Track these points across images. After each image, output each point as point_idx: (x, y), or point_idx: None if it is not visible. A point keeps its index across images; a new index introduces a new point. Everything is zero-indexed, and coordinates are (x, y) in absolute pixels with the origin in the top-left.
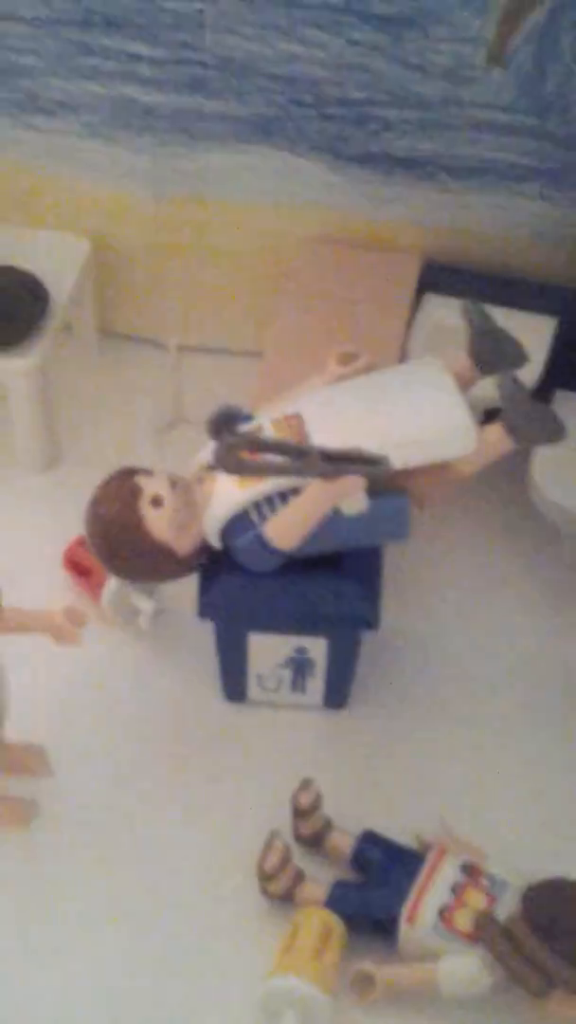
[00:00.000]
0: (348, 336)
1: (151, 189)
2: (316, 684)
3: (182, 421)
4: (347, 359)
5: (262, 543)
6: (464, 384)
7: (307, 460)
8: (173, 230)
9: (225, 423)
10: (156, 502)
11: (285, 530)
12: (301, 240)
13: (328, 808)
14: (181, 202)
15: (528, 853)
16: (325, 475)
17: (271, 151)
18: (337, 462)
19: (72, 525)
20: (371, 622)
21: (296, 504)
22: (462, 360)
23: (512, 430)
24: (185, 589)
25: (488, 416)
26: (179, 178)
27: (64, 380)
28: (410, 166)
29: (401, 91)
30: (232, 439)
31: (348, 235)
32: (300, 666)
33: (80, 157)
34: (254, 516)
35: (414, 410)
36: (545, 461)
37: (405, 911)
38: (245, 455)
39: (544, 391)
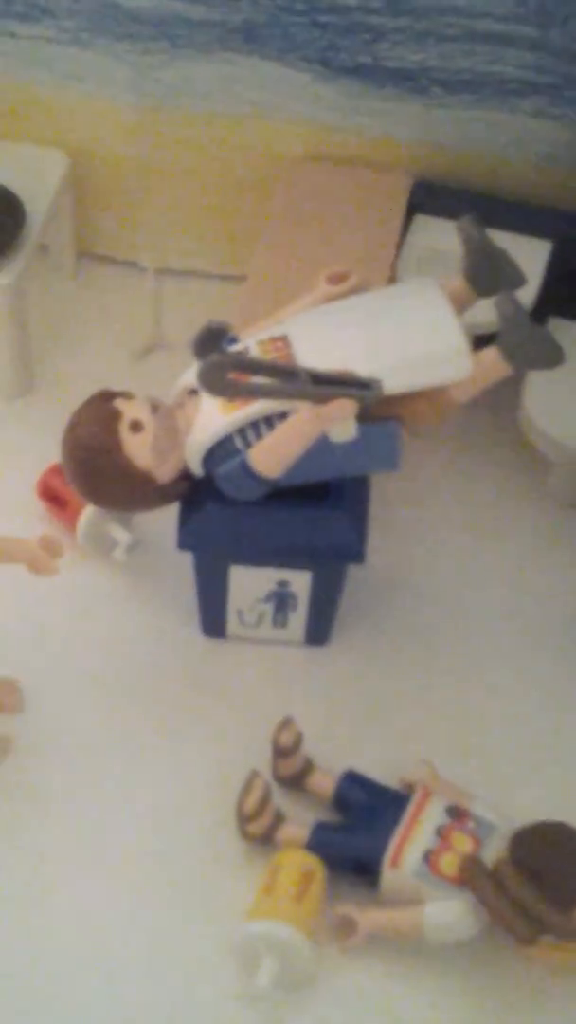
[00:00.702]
0: (335, 259)
1: (132, 100)
2: (298, 619)
3: (160, 346)
4: (337, 278)
5: (246, 470)
6: (459, 305)
7: (295, 382)
8: (154, 144)
9: (211, 342)
10: (136, 427)
11: (271, 456)
12: (287, 157)
13: (309, 747)
14: (163, 114)
15: (516, 795)
16: (314, 398)
17: (258, 61)
18: (327, 385)
19: (47, 453)
20: (357, 555)
21: (283, 429)
22: (457, 281)
23: (509, 353)
24: (164, 519)
25: (479, 342)
26: (161, 89)
27: (39, 302)
28: (402, 79)
29: None
30: (218, 358)
31: (336, 152)
32: (282, 600)
33: (58, 66)
34: (238, 442)
35: (407, 332)
36: (537, 390)
37: (389, 854)
38: (231, 376)
39: (537, 318)
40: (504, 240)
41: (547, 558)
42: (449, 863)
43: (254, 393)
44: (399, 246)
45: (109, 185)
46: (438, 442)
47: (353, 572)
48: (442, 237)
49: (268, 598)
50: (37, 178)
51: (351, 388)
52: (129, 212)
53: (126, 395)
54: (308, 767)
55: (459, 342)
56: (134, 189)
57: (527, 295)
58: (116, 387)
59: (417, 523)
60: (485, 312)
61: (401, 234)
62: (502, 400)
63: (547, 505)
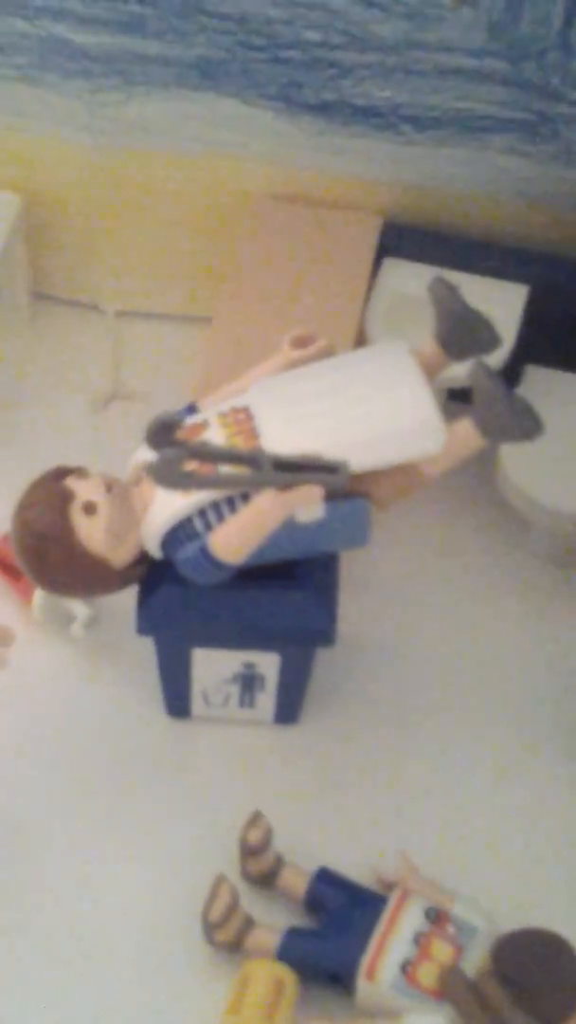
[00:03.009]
0: (301, 304)
1: (86, 139)
2: (266, 699)
3: (121, 394)
4: (302, 342)
5: (207, 556)
6: (431, 370)
7: (258, 469)
8: (110, 184)
9: (164, 432)
10: (89, 509)
11: (233, 542)
12: (250, 197)
13: (279, 838)
14: (119, 154)
15: (499, 890)
16: (278, 485)
17: (217, 98)
18: (291, 471)
19: (0, 516)
20: (327, 638)
21: (246, 514)
22: (428, 345)
23: (484, 427)
24: (126, 592)
25: (453, 396)
26: (116, 127)
27: None
28: (369, 116)
29: (360, 32)
30: (171, 452)
31: (301, 192)
32: (249, 682)
33: (7, 104)
34: (198, 524)
35: (375, 405)
36: (513, 447)
37: (364, 965)
38: (190, 465)
39: (514, 366)
40: (478, 285)
41: (530, 621)
42: (428, 974)
43: (213, 485)
44: (368, 290)
45: (65, 226)
46: (412, 501)
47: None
48: (412, 281)
49: (234, 679)
50: None
51: (317, 473)
52: (86, 253)
53: (80, 472)
54: (279, 865)
55: (431, 416)
56: (91, 230)
57: (503, 344)
58: (74, 440)
59: (391, 585)
60: (461, 367)
61: (370, 278)
62: (479, 455)
63: (528, 563)
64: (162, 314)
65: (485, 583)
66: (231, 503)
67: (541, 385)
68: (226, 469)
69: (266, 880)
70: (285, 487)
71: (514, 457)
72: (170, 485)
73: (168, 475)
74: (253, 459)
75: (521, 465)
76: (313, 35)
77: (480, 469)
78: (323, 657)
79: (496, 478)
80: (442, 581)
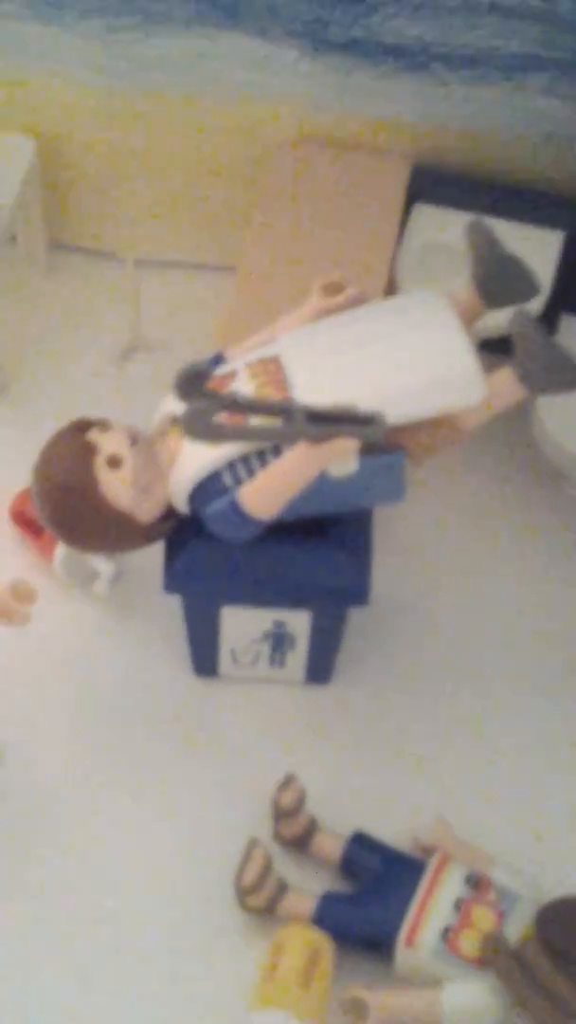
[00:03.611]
0: (328, 252)
1: (103, 81)
2: (297, 658)
3: (142, 346)
4: (333, 290)
5: (236, 511)
6: (468, 319)
7: (291, 421)
8: (129, 128)
9: (194, 383)
10: (113, 462)
11: (263, 497)
12: (274, 140)
13: (312, 801)
14: (137, 95)
15: (543, 852)
16: (310, 438)
17: (240, 37)
18: (325, 423)
19: (19, 472)
20: (361, 597)
21: (277, 468)
22: (465, 291)
23: (525, 377)
24: (148, 548)
25: (487, 347)
26: (134, 67)
27: (8, 299)
28: (399, 55)
29: None
30: (203, 403)
31: (328, 135)
32: (279, 641)
33: (22, 44)
34: (228, 479)
35: (412, 354)
36: (551, 401)
37: (403, 932)
38: (220, 417)
39: (550, 315)
40: (513, 231)
41: (564, 583)
42: (469, 941)
43: (245, 437)
44: (398, 238)
45: (82, 171)
46: (442, 458)
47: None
48: (444, 228)
49: (264, 638)
50: (2, 166)
51: (352, 425)
52: (104, 200)
53: (103, 425)
54: (312, 828)
55: (470, 366)
56: (109, 175)
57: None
58: (93, 392)
59: (424, 546)
60: (494, 316)
61: (400, 224)
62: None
63: (563, 523)
64: (183, 262)
65: (519, 543)
66: (261, 457)
67: None
68: (256, 421)
69: (300, 844)
70: (318, 439)
71: (551, 410)
72: (201, 437)
73: (199, 427)
74: (285, 411)
75: (558, 418)
76: None
77: (515, 424)
78: (355, 617)
79: (532, 433)
80: (475, 540)
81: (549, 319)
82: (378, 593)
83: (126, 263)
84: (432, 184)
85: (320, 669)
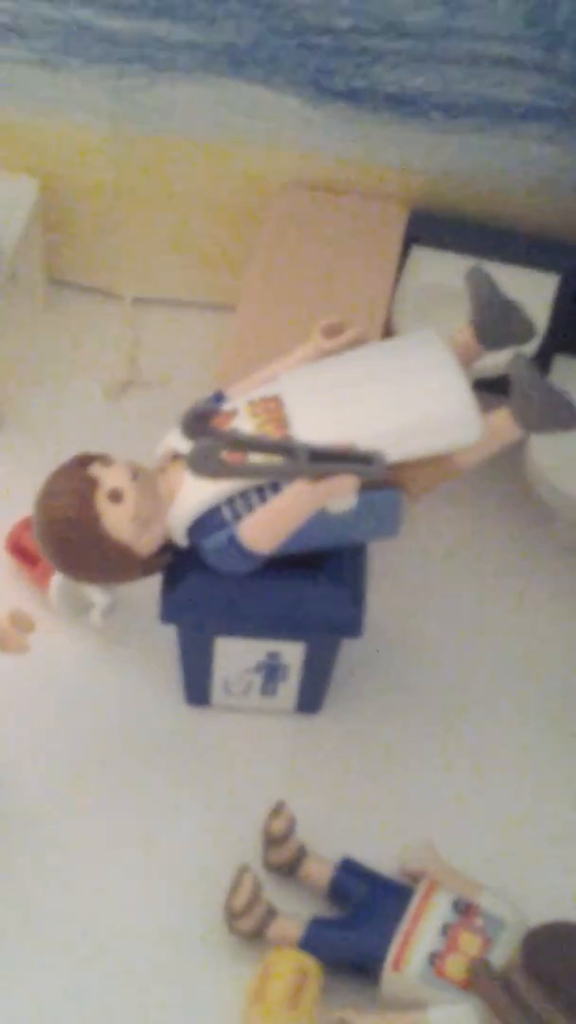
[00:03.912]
0: (327, 294)
1: (108, 125)
2: (288, 688)
3: (138, 382)
4: (333, 331)
5: (235, 546)
6: (465, 359)
7: (294, 460)
8: (131, 171)
9: (200, 422)
10: (115, 496)
11: (262, 532)
12: (275, 185)
13: (301, 827)
14: (141, 140)
15: (528, 882)
16: (311, 476)
17: (243, 84)
18: (326, 460)
19: (17, 503)
20: (355, 630)
21: (276, 504)
22: (464, 333)
23: (523, 418)
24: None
25: (483, 387)
26: (139, 113)
27: (8, 335)
28: (400, 103)
29: (392, 18)
30: (210, 442)
31: (328, 180)
32: (272, 671)
33: (29, 89)
34: (227, 513)
35: (411, 394)
36: (543, 439)
37: (391, 956)
38: (224, 454)
39: (543, 356)
40: (509, 274)
41: (556, 611)
42: (456, 966)
43: (250, 474)
44: (396, 280)
45: (83, 211)
46: (438, 492)
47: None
48: (442, 271)
49: (257, 669)
50: (5, 206)
51: (352, 464)
52: (104, 240)
53: (104, 460)
54: (302, 855)
55: (467, 405)
56: (110, 216)
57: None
58: (90, 427)
59: (414, 574)
60: (492, 357)
61: (398, 267)
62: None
63: (555, 555)
64: (179, 301)
65: (511, 575)
66: (260, 493)
67: (570, 375)
68: (258, 458)
69: (289, 870)
70: (319, 477)
71: (542, 448)
72: (207, 474)
73: (205, 464)
74: (288, 449)
75: (549, 456)
76: (343, 21)
77: (507, 460)
78: (345, 647)
79: (524, 469)
80: (467, 572)
81: (542, 360)
82: (368, 623)
83: (124, 301)
84: (430, 228)
85: (311, 699)
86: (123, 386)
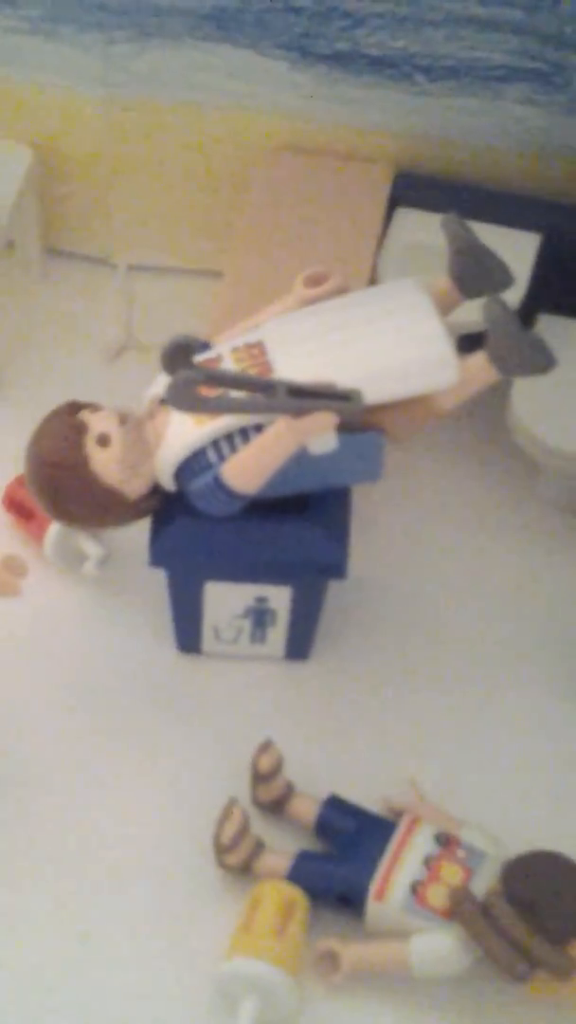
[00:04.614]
0: (314, 254)
1: (100, 92)
2: (277, 634)
3: (133, 347)
4: (315, 281)
5: (220, 486)
6: (444, 308)
7: (272, 396)
8: (123, 137)
9: (180, 355)
10: (103, 441)
11: (246, 472)
12: (263, 148)
13: (290, 769)
14: (132, 106)
15: (508, 818)
16: (292, 412)
17: (231, 49)
18: (305, 398)
19: (12, 462)
20: (340, 571)
21: (259, 443)
22: (442, 281)
23: (498, 360)
24: (136, 531)
25: (465, 341)
26: (130, 79)
27: (4, 302)
28: (383, 66)
29: None
30: (188, 373)
31: (314, 143)
32: (260, 616)
33: (21, 57)
34: (212, 456)
35: (390, 338)
36: (525, 390)
37: (374, 886)
38: (203, 390)
39: (526, 314)
40: (491, 233)
41: (540, 564)
42: (437, 895)
43: (228, 409)
44: (380, 241)
45: (77, 179)
46: (423, 442)
47: (335, 581)
48: (425, 231)
49: (246, 614)
50: (0, 174)
51: (330, 401)
52: (99, 207)
53: (93, 407)
54: (289, 792)
55: (445, 349)
56: (103, 183)
57: (515, 291)
58: (86, 392)
59: (401, 526)
60: (471, 311)
61: (382, 228)
62: (490, 398)
63: (538, 508)
64: (174, 268)
65: (494, 526)
66: (244, 435)
67: (554, 333)
68: (238, 395)
69: (277, 807)
70: (299, 413)
71: (526, 401)
72: (185, 407)
73: (183, 397)
74: (267, 386)
75: (533, 409)
76: None
77: (492, 413)
78: (333, 594)
79: (508, 422)
80: (450, 522)
81: (526, 319)
82: (355, 571)
83: (119, 268)
84: (414, 189)
85: (300, 644)
86: (119, 350)
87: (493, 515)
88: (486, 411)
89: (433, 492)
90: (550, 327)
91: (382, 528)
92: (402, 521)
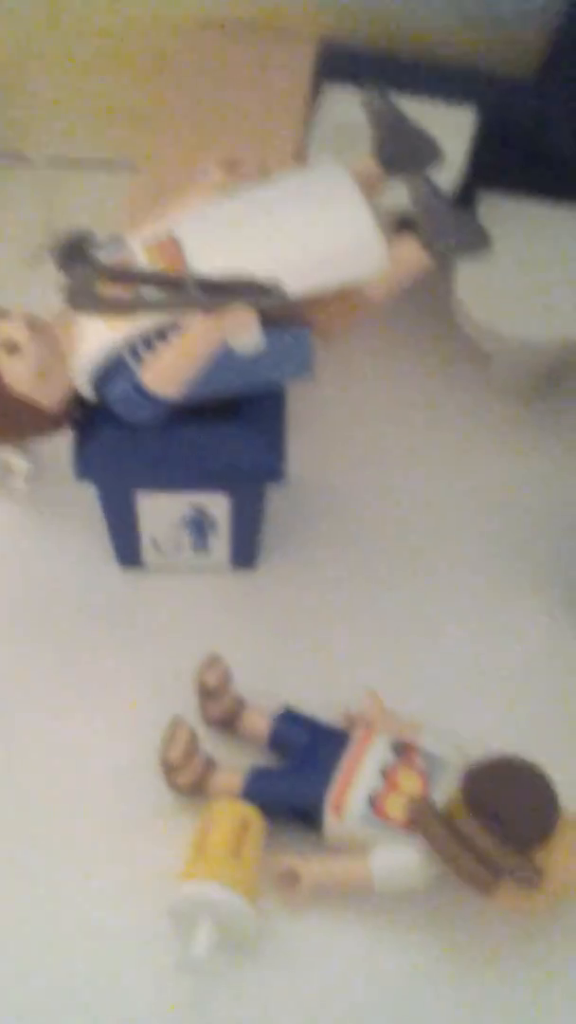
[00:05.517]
0: (238, 136)
1: None
2: (221, 543)
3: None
4: (231, 167)
5: (140, 391)
6: (370, 189)
7: (182, 291)
8: (27, 16)
9: (76, 251)
10: (11, 348)
11: (166, 375)
12: (179, 25)
13: (242, 683)
14: None
15: (467, 722)
16: (205, 308)
17: None
18: (220, 292)
19: None
20: (276, 474)
21: (177, 344)
22: (365, 161)
23: (428, 243)
24: (66, 442)
25: (404, 227)
26: None
27: None
28: None
29: None
30: (83, 271)
31: (233, 17)
32: (199, 525)
33: None
34: (129, 360)
35: (311, 225)
36: (470, 275)
37: (330, 800)
38: (112, 290)
39: (466, 194)
40: (424, 108)
41: (491, 456)
42: (395, 805)
43: (132, 308)
44: (308, 120)
45: None
46: (364, 337)
47: (279, 487)
48: (355, 108)
49: (183, 523)
50: None
51: (247, 294)
52: (8, 95)
53: (1, 313)
54: (239, 707)
55: (371, 234)
56: (11, 68)
57: (451, 170)
58: (4, 298)
59: (346, 424)
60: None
61: (309, 107)
62: (436, 282)
63: (487, 398)
64: (94, 160)
65: (443, 419)
66: (163, 337)
67: (496, 211)
68: (149, 294)
69: (228, 723)
70: (213, 309)
71: (471, 287)
72: (84, 308)
73: (80, 297)
74: (177, 281)
75: (479, 295)
76: None
77: (435, 304)
78: (278, 501)
79: (454, 310)
80: (398, 419)
81: (467, 198)
82: (300, 476)
83: (35, 163)
84: (341, 62)
85: (245, 553)
86: (39, 251)
87: (439, 407)
88: (429, 300)
89: (374, 385)
90: (492, 206)
91: (324, 426)
92: (345, 417)
